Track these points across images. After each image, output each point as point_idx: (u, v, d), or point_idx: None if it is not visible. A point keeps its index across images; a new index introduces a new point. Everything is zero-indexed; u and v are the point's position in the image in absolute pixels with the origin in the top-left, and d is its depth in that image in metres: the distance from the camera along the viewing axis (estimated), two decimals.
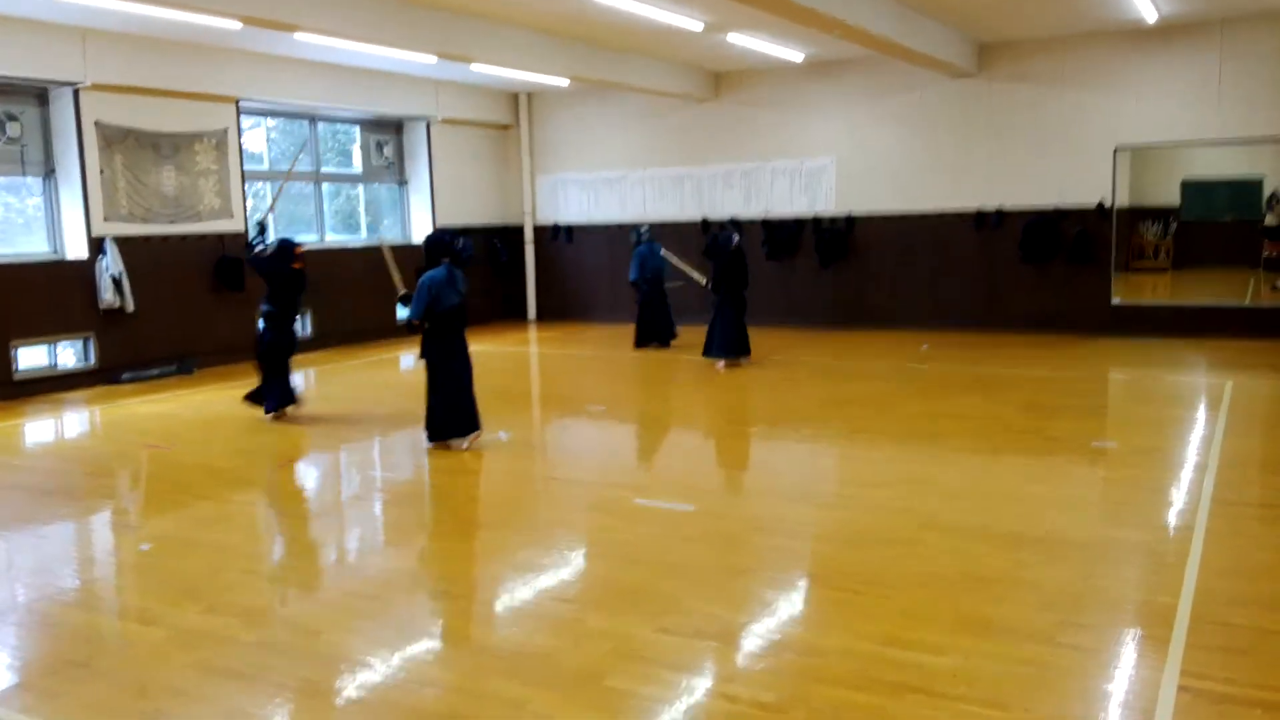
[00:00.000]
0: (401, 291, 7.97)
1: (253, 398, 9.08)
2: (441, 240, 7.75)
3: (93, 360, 11.48)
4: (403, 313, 7.75)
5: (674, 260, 13.16)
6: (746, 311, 11.58)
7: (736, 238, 11.65)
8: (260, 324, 9.11)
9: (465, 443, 7.66)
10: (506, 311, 17.31)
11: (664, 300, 13.16)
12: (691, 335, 12.67)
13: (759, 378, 11.00)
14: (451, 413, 7.65)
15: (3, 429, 9.22)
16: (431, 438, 7.73)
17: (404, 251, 15.76)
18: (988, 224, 13.72)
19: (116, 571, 5.50)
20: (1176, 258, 20.24)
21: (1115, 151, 12.98)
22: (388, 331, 14.99)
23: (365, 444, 8.22)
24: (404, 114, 15.15)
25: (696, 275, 12.60)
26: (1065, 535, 5.32)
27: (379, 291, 14.97)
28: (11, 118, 10.85)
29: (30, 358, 11.07)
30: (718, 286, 11.52)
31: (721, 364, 11.45)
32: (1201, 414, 8.56)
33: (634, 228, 13.59)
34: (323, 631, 4.37)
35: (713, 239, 11.83)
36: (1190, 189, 20.34)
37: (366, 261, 14.91)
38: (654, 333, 13.15)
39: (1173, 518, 5.68)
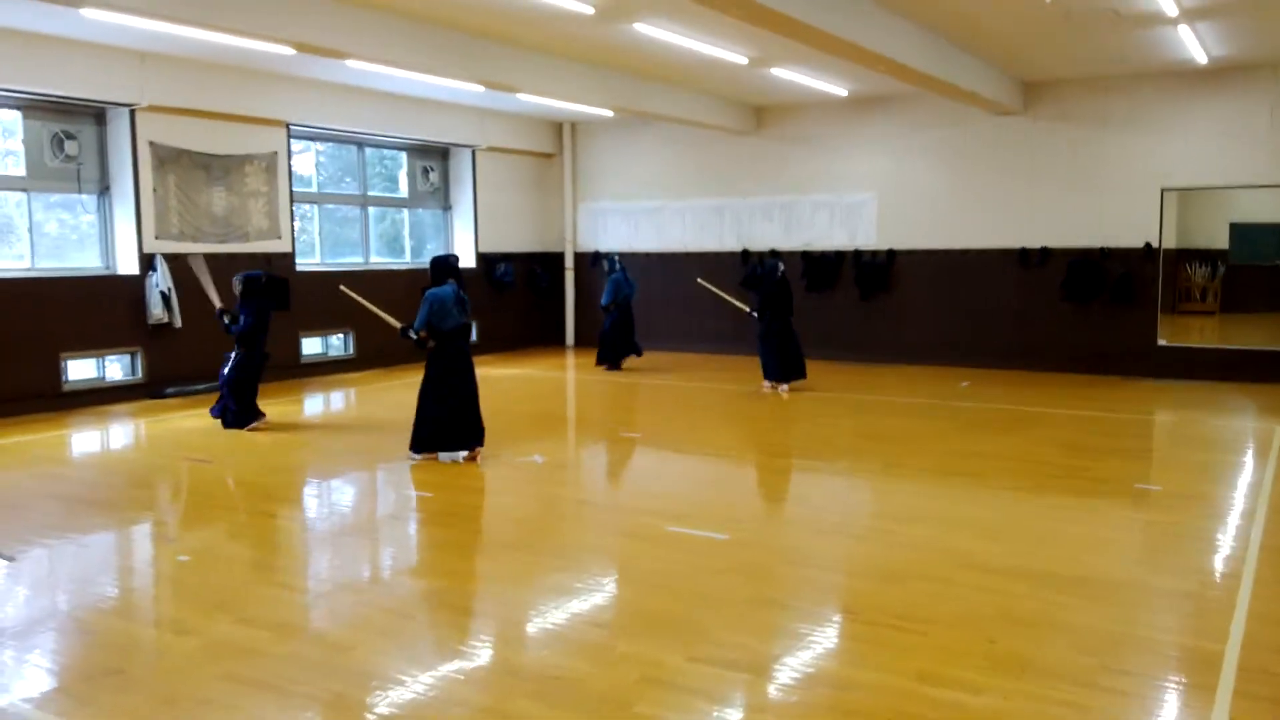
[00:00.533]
0: (399, 324, 8.42)
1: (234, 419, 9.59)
2: (447, 262, 8.21)
3: (139, 374, 11.68)
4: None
5: (714, 290, 13.72)
6: (796, 336, 12.16)
7: (782, 267, 12.25)
8: (238, 350, 9.58)
9: (460, 456, 8.01)
10: (545, 337, 17.40)
11: (631, 323, 14.27)
12: (697, 360, 12.62)
13: (796, 409, 10.94)
14: (447, 427, 8.02)
15: (50, 439, 9.39)
16: (416, 449, 8.09)
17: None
18: (1031, 262, 13.60)
19: (154, 582, 5.56)
20: (1224, 301, 19.91)
21: (1163, 192, 12.84)
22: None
23: (400, 465, 8.27)
24: (450, 141, 15.36)
25: (738, 304, 12.91)
26: (1105, 578, 5.22)
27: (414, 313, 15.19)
28: (70, 136, 11.14)
29: (79, 370, 11.29)
30: (763, 314, 12.03)
31: (784, 388, 11.97)
32: (1249, 459, 8.38)
33: (607, 257, 14.81)
34: (353, 648, 4.38)
35: (753, 269, 12.44)
36: (1239, 231, 20.04)
37: (409, 283, 15.08)
38: (620, 351, 14.19)
39: (1218, 563, 5.55)
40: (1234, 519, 6.41)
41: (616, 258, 14.64)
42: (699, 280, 13.91)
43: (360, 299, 9.68)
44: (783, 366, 11.96)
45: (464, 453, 8.06)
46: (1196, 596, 4.99)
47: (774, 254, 14.49)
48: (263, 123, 12.69)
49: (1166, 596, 5.01)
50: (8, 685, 4.05)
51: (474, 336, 16.27)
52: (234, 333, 9.36)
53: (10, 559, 5.69)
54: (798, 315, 12.32)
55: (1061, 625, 4.56)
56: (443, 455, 8.03)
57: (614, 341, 14.23)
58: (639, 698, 3.84)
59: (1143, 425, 10.21)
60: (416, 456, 8.10)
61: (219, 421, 9.65)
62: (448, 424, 8.01)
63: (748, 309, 12.59)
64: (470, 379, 8.14)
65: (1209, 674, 4.01)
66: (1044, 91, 13.34)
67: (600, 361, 14.26)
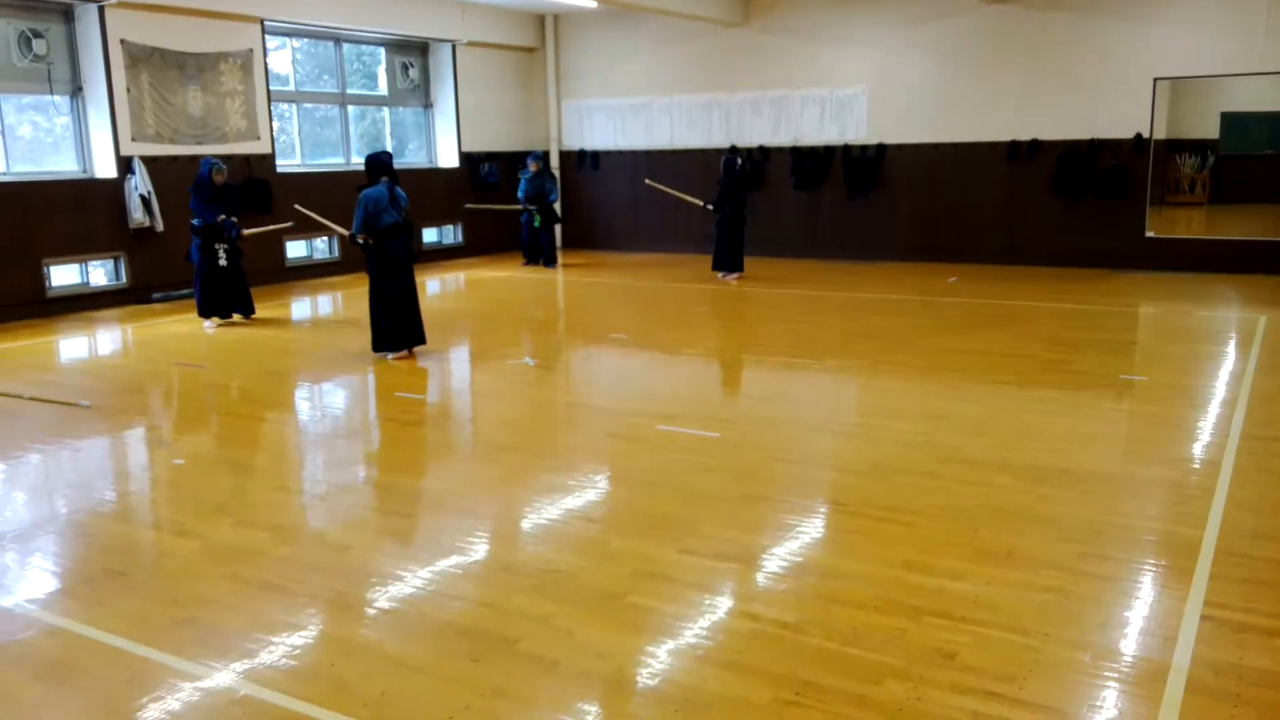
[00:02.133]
0: (346, 231, 8.53)
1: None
2: (379, 160, 8.15)
3: (124, 279, 11.59)
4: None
5: (663, 189, 14.25)
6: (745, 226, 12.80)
7: (739, 160, 12.68)
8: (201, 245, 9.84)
9: (394, 356, 8.21)
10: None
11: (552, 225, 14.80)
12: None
13: (784, 308, 10.96)
14: (388, 326, 8.17)
15: (37, 345, 9.36)
16: (376, 348, 8.31)
17: (430, 174, 15.71)
18: (1020, 155, 13.47)
19: (151, 486, 5.62)
20: (1213, 192, 19.83)
21: (1155, 83, 12.65)
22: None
23: (392, 366, 8.28)
24: (429, 36, 14.96)
25: (690, 199, 13.63)
26: (1089, 469, 5.33)
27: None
28: (37, 34, 10.80)
29: (62, 276, 11.19)
30: (721, 206, 12.57)
31: (734, 277, 12.69)
32: (1233, 349, 8.47)
33: (530, 154, 14.80)
34: (352, 547, 4.46)
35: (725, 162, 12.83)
36: (1230, 121, 19.83)
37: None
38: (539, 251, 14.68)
39: (1199, 452, 5.66)
40: (1216, 408, 6.52)
41: (538, 155, 14.82)
42: (647, 182, 14.08)
43: (309, 213, 10.09)
44: (726, 257, 12.67)
45: (401, 352, 8.23)
46: (1178, 485, 5.10)
47: (732, 148, 14.26)
48: (237, 19, 12.31)
49: (1148, 485, 5.12)
50: (11, 587, 4.12)
51: (458, 238, 16.17)
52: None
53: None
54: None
55: (1044, 516, 4.67)
56: (388, 355, 8.24)
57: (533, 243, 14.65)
58: (632, 589, 3.94)
59: (1128, 318, 10.28)
60: (385, 355, 8.27)
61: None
62: (386, 323, 8.17)
63: (701, 203, 13.26)
64: (407, 278, 8.21)
65: (1187, 558, 4.13)
66: None
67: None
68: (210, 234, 9.82)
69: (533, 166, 14.47)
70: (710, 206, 12.79)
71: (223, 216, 9.84)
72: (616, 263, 15.09)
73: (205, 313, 10.03)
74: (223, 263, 9.94)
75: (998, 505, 4.80)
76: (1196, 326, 9.66)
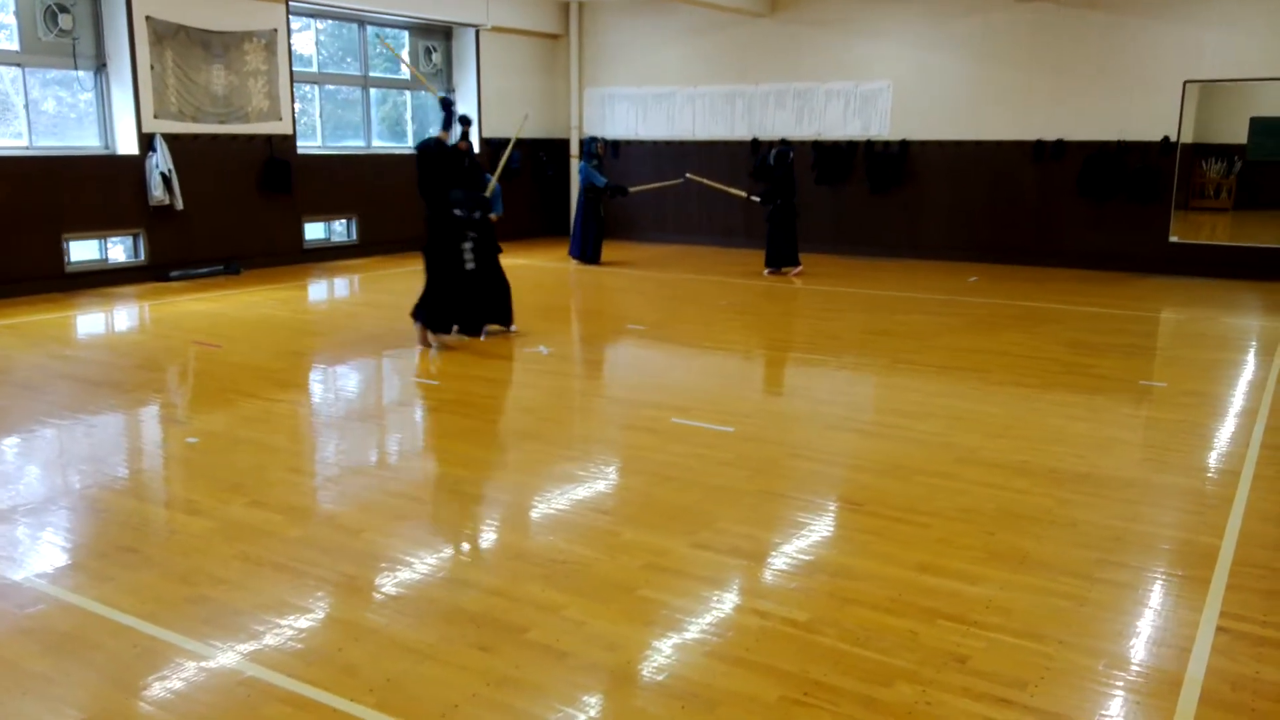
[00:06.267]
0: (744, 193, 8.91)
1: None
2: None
3: (142, 256, 11.62)
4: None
5: (706, 182, 13.86)
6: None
7: (791, 153, 12.62)
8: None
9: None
10: (550, 227, 17.23)
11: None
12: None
13: (804, 303, 10.90)
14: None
15: (55, 320, 9.40)
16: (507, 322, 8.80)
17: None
18: (1046, 155, 13.35)
19: (164, 463, 5.63)
20: (1239, 197, 19.61)
21: (1185, 85, 12.51)
22: None
23: (408, 351, 8.27)
24: (453, 20, 14.93)
25: (734, 191, 13.16)
26: (1107, 475, 5.27)
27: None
28: (63, 9, 10.82)
29: (81, 251, 11.24)
30: (772, 198, 12.44)
31: (796, 270, 12.72)
32: (1255, 358, 8.37)
33: (592, 139, 14.03)
34: (364, 531, 4.45)
35: (763, 159, 12.72)
36: (1259, 126, 19.58)
37: (414, 170, 14.88)
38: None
39: (1219, 461, 5.59)
40: (1236, 417, 6.44)
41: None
42: (688, 175, 13.89)
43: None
44: (786, 251, 12.58)
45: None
46: (1197, 493, 5.04)
47: (784, 141, 14.22)
48: None
49: (1167, 493, 5.06)
50: (23, 560, 4.13)
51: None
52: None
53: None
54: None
55: (1062, 520, 4.62)
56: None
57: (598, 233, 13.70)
58: (643, 582, 3.92)
59: (1150, 322, 10.18)
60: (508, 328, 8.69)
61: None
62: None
63: (746, 195, 12.99)
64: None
65: (1204, 568, 4.08)
66: None
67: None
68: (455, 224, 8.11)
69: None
70: (758, 198, 12.68)
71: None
72: (636, 254, 15.05)
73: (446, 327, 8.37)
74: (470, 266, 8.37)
75: (1015, 509, 4.75)
76: (1218, 333, 9.55)
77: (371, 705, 3.06)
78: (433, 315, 8.14)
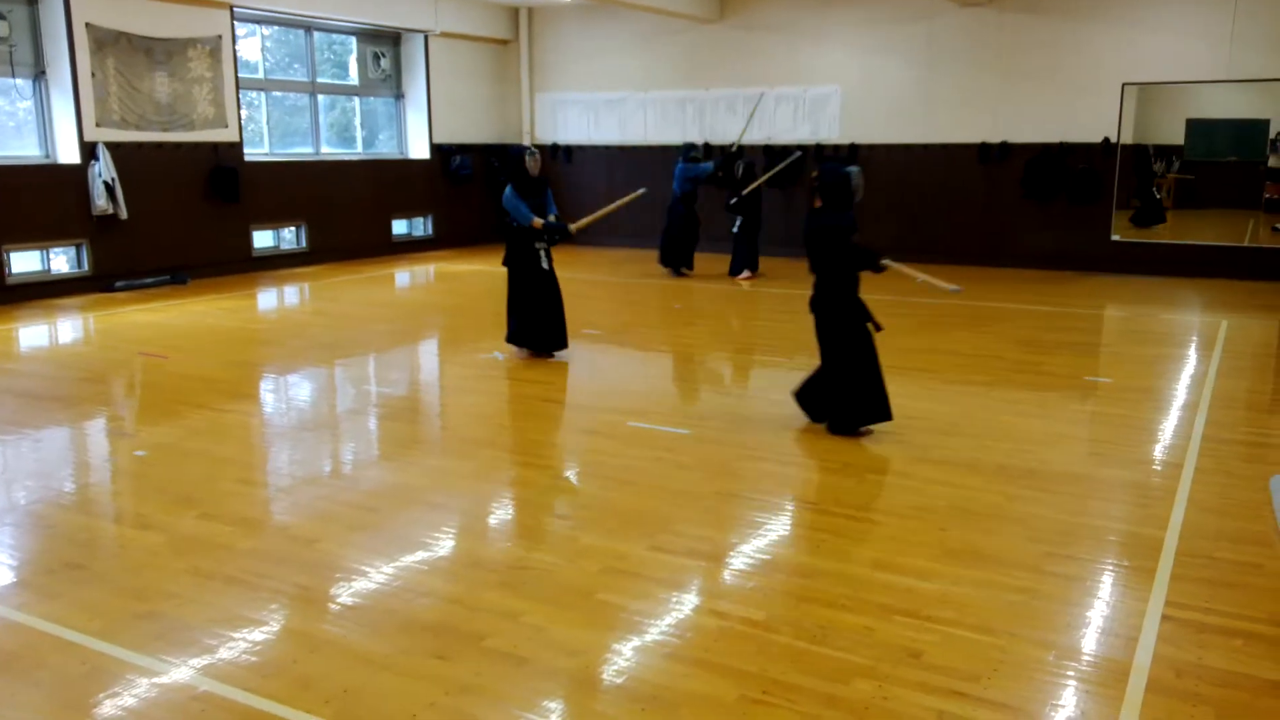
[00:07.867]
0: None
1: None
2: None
3: (86, 267, 11.40)
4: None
5: (591, 218, 13.27)
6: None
7: (757, 166, 12.95)
8: None
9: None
10: (504, 232, 17.13)
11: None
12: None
13: (758, 306, 10.98)
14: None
15: None
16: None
17: (401, 165, 15.60)
18: (992, 157, 13.58)
19: (112, 477, 5.52)
20: (1178, 197, 20.08)
21: (1123, 87, 12.79)
22: (382, 248, 14.93)
23: (360, 359, 8.20)
24: (402, 26, 14.83)
25: (628, 197, 13.22)
26: (1056, 470, 5.37)
27: (376, 206, 14.92)
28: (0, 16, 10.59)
29: (23, 262, 10.99)
30: (742, 208, 12.61)
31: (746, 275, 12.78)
32: (1195, 353, 8.58)
33: (691, 145, 13.58)
34: (318, 541, 4.41)
35: (732, 167, 12.90)
36: (1195, 127, 20.09)
37: (363, 176, 14.77)
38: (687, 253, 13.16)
39: (1162, 454, 5.73)
40: (1178, 411, 6.60)
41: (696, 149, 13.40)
42: (573, 227, 13.31)
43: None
44: (752, 255, 12.71)
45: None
46: (1141, 486, 5.16)
47: (740, 150, 14.25)
48: (206, 4, 12.14)
49: (1113, 487, 5.17)
50: None
51: (429, 230, 16.07)
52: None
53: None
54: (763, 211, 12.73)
55: (1012, 516, 4.70)
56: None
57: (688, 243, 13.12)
58: (602, 586, 3.92)
59: (1095, 320, 10.39)
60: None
61: None
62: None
63: (638, 193, 11.94)
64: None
65: (1150, 559, 4.18)
66: None
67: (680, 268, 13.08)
68: (530, 237, 8.61)
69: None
70: (734, 201, 12.60)
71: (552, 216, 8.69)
72: (590, 258, 15.05)
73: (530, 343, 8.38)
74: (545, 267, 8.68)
75: (966, 505, 4.83)
76: (1160, 329, 9.78)
77: (329, 717, 3.03)
78: (529, 337, 8.15)
